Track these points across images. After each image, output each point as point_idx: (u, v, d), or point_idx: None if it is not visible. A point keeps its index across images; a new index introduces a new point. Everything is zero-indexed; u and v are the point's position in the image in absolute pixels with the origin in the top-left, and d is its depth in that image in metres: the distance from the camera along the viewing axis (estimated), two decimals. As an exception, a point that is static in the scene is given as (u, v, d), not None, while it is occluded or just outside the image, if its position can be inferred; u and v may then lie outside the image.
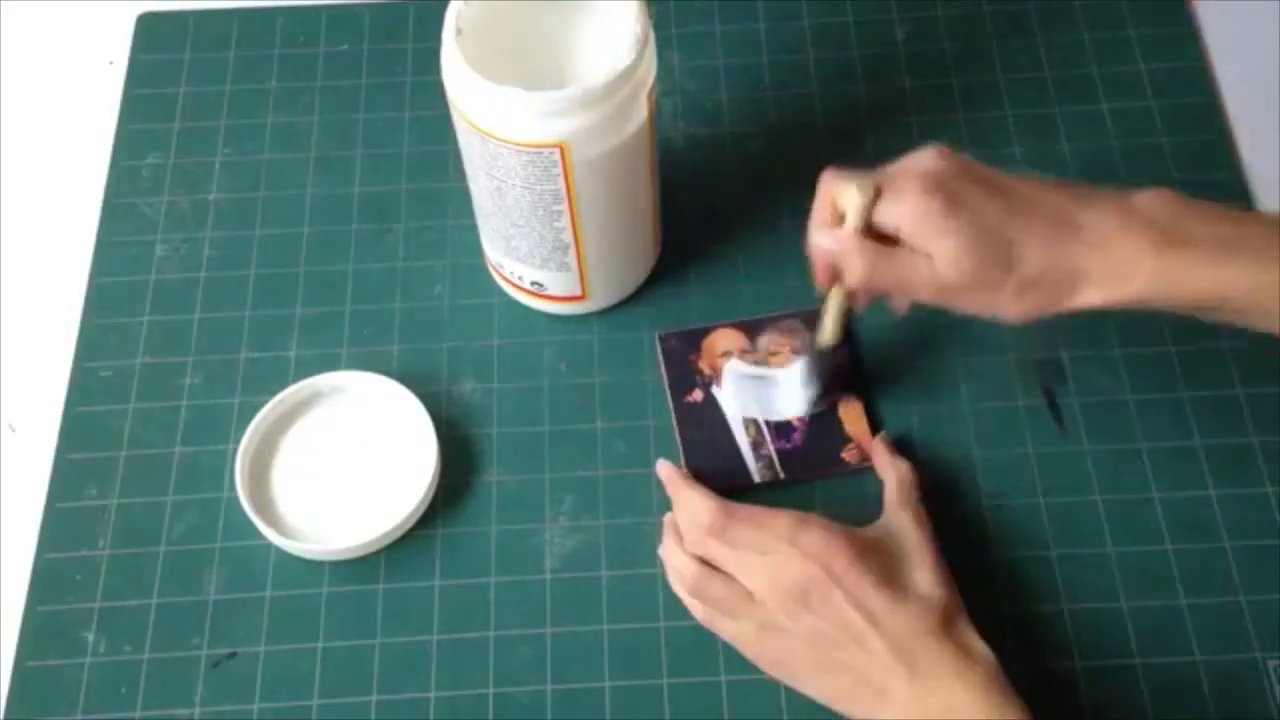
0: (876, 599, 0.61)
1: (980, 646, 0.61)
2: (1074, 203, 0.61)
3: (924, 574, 0.63)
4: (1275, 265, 0.59)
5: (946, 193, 0.61)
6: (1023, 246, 0.60)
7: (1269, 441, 0.72)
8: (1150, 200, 0.61)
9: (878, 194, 0.62)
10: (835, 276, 0.66)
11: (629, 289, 0.78)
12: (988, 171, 0.63)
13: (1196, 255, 0.59)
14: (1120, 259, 0.60)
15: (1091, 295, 0.61)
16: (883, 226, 0.63)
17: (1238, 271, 0.59)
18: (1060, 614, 0.68)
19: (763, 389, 0.74)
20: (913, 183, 0.61)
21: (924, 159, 0.63)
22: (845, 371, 0.74)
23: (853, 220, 0.63)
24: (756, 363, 0.75)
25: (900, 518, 0.66)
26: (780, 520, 0.63)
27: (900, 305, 0.68)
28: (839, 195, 0.64)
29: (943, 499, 0.70)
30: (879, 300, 0.69)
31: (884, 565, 0.63)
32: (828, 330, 0.70)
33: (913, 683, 0.59)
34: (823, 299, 0.69)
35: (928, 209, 0.61)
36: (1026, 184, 0.63)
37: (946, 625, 0.61)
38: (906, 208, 0.61)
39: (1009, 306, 0.62)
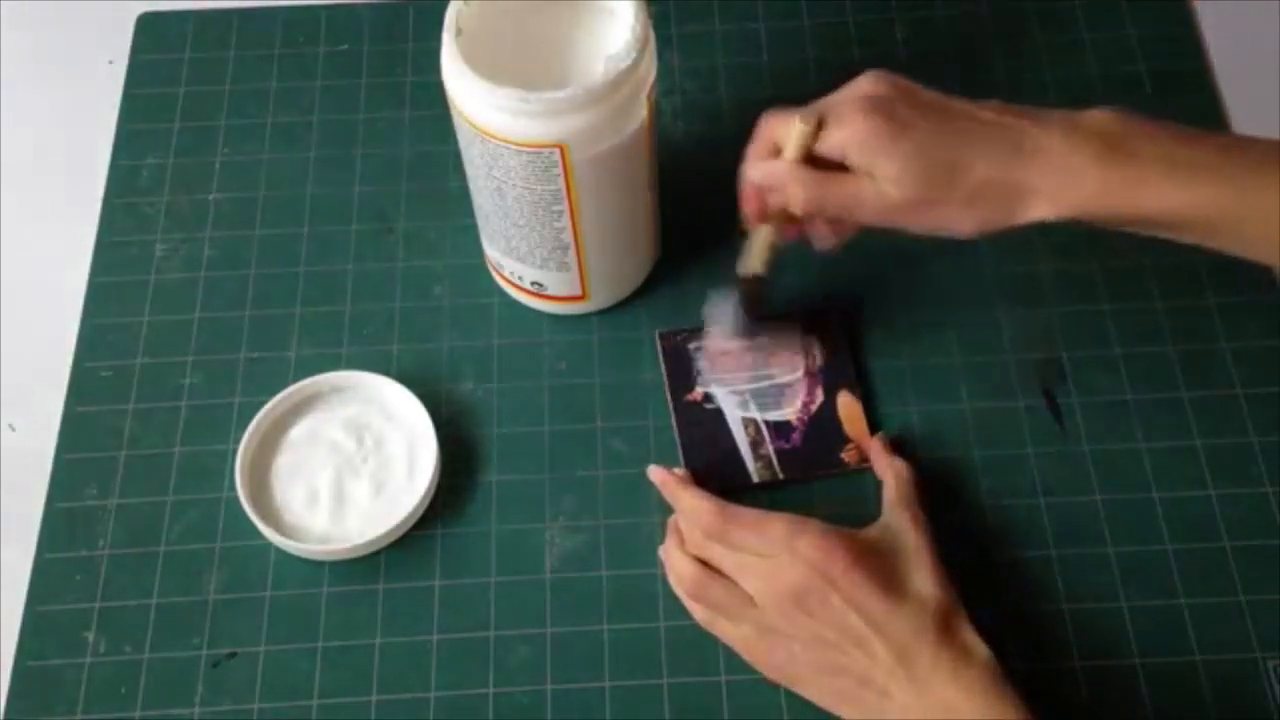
0: (875, 602, 0.61)
1: (980, 646, 0.61)
2: (1019, 119, 0.61)
3: (923, 575, 0.63)
4: (1232, 185, 0.58)
5: (889, 114, 0.61)
6: (967, 160, 0.60)
7: (1269, 441, 0.72)
8: (1100, 116, 0.61)
9: (820, 124, 0.62)
10: (765, 211, 0.66)
11: (629, 289, 0.78)
12: (930, 94, 0.63)
13: (1147, 170, 0.59)
14: (1066, 171, 0.59)
15: (1039, 209, 0.60)
16: (826, 153, 0.63)
17: (1192, 189, 0.58)
18: (1060, 614, 0.68)
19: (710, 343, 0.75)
20: (855, 107, 0.62)
21: (864, 84, 0.63)
22: (768, 312, 0.74)
23: (792, 150, 0.63)
24: (756, 361, 0.75)
25: (899, 518, 0.66)
26: (778, 524, 0.63)
27: (825, 242, 0.68)
28: (779, 130, 0.64)
29: (943, 499, 0.70)
30: (803, 239, 0.69)
31: (882, 567, 0.62)
32: (752, 261, 0.70)
33: (913, 684, 0.59)
34: (746, 234, 0.69)
35: (872, 131, 0.61)
36: (970, 105, 0.63)
37: (946, 626, 0.61)
38: (849, 132, 0.62)
39: (958, 220, 0.62)
